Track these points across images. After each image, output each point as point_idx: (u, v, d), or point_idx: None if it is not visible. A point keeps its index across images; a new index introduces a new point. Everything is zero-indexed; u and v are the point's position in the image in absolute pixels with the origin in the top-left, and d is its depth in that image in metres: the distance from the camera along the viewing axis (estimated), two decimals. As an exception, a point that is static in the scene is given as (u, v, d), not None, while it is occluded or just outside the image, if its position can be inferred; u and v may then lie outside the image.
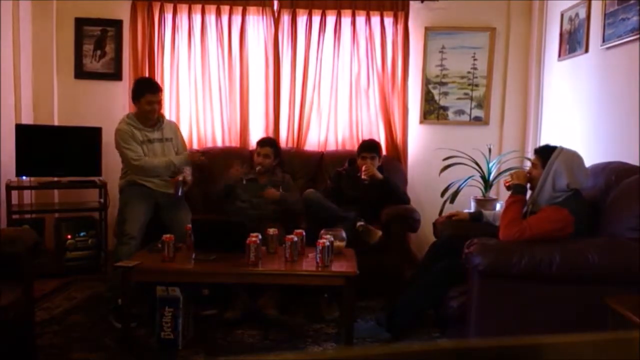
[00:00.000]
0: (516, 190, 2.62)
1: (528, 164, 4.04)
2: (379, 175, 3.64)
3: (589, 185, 2.69)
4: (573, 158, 2.55)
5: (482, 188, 3.87)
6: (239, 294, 3.11)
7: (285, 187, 3.68)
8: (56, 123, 4.23)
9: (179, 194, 3.23)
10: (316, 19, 4.30)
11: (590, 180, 2.76)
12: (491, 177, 3.86)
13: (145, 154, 3.29)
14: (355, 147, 4.01)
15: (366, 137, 4.17)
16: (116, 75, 4.32)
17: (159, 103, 3.36)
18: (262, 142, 3.75)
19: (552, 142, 3.14)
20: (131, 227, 3.12)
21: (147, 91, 3.27)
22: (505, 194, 4.26)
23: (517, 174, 2.72)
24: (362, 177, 3.62)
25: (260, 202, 3.55)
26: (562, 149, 2.57)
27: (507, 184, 2.82)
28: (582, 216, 2.45)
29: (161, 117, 3.41)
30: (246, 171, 3.70)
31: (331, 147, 4.41)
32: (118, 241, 3.18)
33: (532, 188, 2.66)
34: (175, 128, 3.52)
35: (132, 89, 3.37)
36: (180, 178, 3.25)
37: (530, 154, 4.20)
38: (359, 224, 3.34)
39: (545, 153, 2.58)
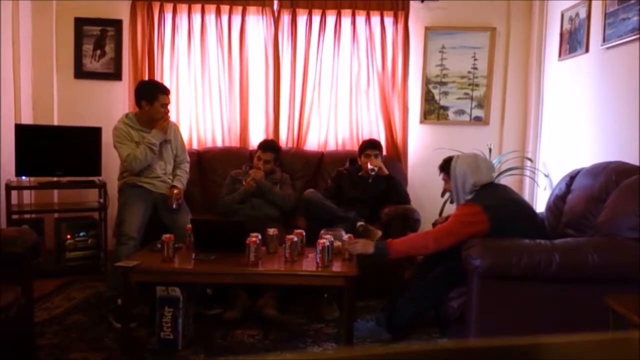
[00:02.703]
0: (380, 249, 2.63)
1: (528, 164, 4.05)
2: (385, 171, 3.68)
3: (588, 184, 2.70)
4: (469, 158, 2.68)
5: (482, 188, 3.86)
6: (239, 294, 3.11)
7: (282, 185, 3.69)
8: (56, 123, 4.23)
9: (174, 206, 3.28)
10: (316, 19, 4.30)
11: (590, 180, 2.76)
12: (491, 177, 3.85)
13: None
14: (356, 147, 4.02)
15: (366, 137, 4.17)
16: (116, 75, 4.32)
17: (169, 104, 3.37)
18: (264, 147, 3.72)
19: (553, 143, 3.16)
20: (129, 227, 3.12)
21: (159, 92, 3.28)
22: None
23: (363, 245, 2.72)
24: (369, 169, 3.62)
25: (259, 202, 3.56)
26: (457, 156, 2.73)
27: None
28: (495, 206, 2.49)
29: None
30: (245, 171, 3.71)
31: (331, 147, 4.42)
32: (117, 241, 3.18)
33: (451, 201, 2.84)
34: (174, 128, 3.48)
35: (141, 92, 3.30)
36: (176, 191, 3.30)
37: (531, 154, 4.21)
38: (359, 224, 3.34)
39: (446, 166, 2.72)
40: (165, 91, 3.32)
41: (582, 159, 3.31)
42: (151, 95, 3.26)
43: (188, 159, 3.58)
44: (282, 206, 3.62)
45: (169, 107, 3.36)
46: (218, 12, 4.27)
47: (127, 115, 3.36)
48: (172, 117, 4.17)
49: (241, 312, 3.03)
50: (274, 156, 3.71)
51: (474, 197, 2.59)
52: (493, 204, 2.51)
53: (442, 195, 3.77)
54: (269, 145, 3.77)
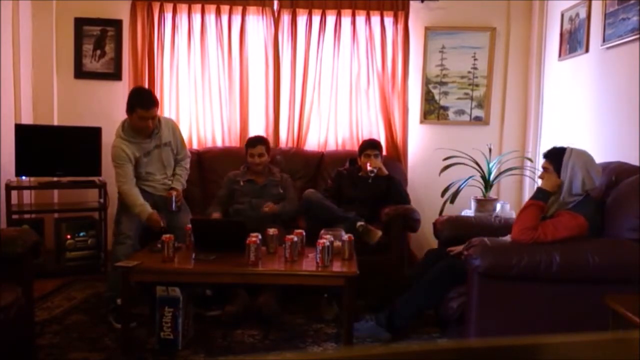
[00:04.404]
0: (539, 195, 2.51)
1: (528, 164, 4.05)
2: (385, 171, 3.68)
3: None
4: (586, 156, 2.51)
5: (483, 188, 3.86)
6: (239, 292, 3.11)
7: (284, 187, 3.67)
8: (56, 123, 4.23)
9: (173, 208, 3.27)
10: (316, 19, 4.30)
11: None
12: (491, 177, 3.86)
13: (144, 165, 3.24)
14: (356, 147, 4.02)
15: (366, 137, 4.16)
16: (116, 75, 4.32)
17: (153, 118, 3.16)
18: (252, 142, 3.64)
19: (553, 143, 3.15)
20: (126, 226, 3.12)
21: (138, 106, 3.09)
22: (506, 195, 4.29)
23: (549, 178, 2.54)
24: (368, 170, 3.62)
25: (259, 202, 3.54)
26: (572, 149, 2.52)
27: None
28: (596, 221, 2.44)
29: (157, 124, 3.25)
30: (244, 172, 3.68)
31: (331, 147, 4.41)
32: (114, 241, 3.19)
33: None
34: (173, 127, 3.42)
35: (127, 100, 3.19)
36: (175, 193, 3.28)
37: (531, 154, 4.21)
38: (359, 224, 3.34)
39: (556, 156, 2.52)
40: (145, 105, 3.10)
41: (582, 159, 3.31)
42: (130, 107, 3.13)
43: (188, 154, 3.57)
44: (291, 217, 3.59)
45: (151, 120, 3.15)
46: (218, 12, 4.27)
47: (123, 127, 3.21)
48: (172, 117, 4.18)
49: (241, 308, 3.02)
50: (265, 148, 3.65)
51: (580, 207, 2.42)
52: (594, 217, 2.42)
53: (442, 195, 3.77)
54: (256, 139, 3.69)
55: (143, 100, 3.13)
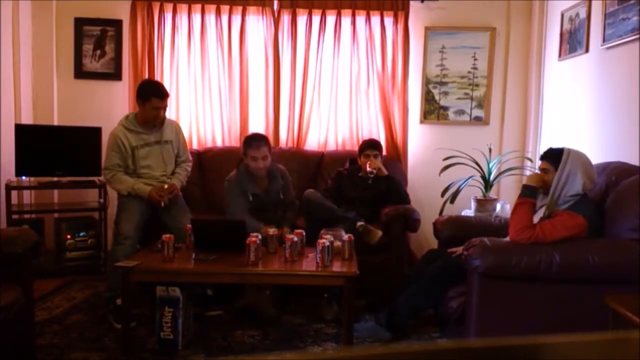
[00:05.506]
0: (526, 192, 2.52)
1: (528, 164, 4.05)
2: (385, 171, 3.68)
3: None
4: (583, 157, 2.53)
5: (483, 188, 3.86)
6: (246, 287, 3.12)
7: (284, 190, 3.51)
8: (56, 123, 4.23)
9: (162, 204, 3.21)
10: (316, 19, 4.30)
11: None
12: (491, 177, 3.86)
13: (140, 157, 3.26)
14: (356, 147, 4.02)
15: (366, 137, 4.16)
16: (116, 75, 4.32)
17: (164, 108, 3.29)
18: (254, 143, 3.32)
19: (553, 143, 3.16)
20: (126, 227, 3.13)
21: (153, 96, 3.20)
22: (506, 195, 4.29)
23: (533, 176, 2.60)
24: (367, 171, 3.62)
25: (264, 212, 3.46)
26: (570, 150, 2.53)
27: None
28: (595, 221, 2.44)
29: (164, 118, 3.35)
30: (243, 171, 3.57)
31: (331, 147, 4.41)
32: (114, 241, 3.19)
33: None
34: (176, 128, 3.47)
35: (139, 91, 3.29)
36: (166, 186, 3.25)
37: (531, 154, 4.21)
38: (359, 224, 3.34)
39: (555, 156, 2.52)
40: (160, 95, 3.22)
41: (582, 159, 3.31)
42: (145, 96, 3.21)
43: (190, 157, 3.58)
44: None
45: (162, 110, 3.26)
46: (218, 12, 4.27)
47: (127, 117, 3.32)
48: (172, 117, 4.18)
49: (251, 301, 3.04)
50: (268, 148, 3.36)
51: (578, 207, 2.42)
52: (595, 224, 2.42)
53: (442, 195, 3.77)
54: (258, 138, 3.40)
55: (158, 90, 3.26)
